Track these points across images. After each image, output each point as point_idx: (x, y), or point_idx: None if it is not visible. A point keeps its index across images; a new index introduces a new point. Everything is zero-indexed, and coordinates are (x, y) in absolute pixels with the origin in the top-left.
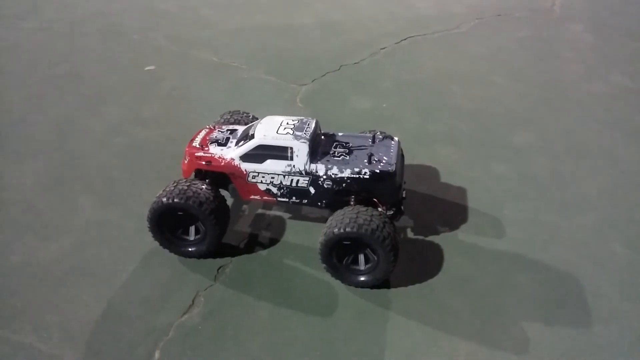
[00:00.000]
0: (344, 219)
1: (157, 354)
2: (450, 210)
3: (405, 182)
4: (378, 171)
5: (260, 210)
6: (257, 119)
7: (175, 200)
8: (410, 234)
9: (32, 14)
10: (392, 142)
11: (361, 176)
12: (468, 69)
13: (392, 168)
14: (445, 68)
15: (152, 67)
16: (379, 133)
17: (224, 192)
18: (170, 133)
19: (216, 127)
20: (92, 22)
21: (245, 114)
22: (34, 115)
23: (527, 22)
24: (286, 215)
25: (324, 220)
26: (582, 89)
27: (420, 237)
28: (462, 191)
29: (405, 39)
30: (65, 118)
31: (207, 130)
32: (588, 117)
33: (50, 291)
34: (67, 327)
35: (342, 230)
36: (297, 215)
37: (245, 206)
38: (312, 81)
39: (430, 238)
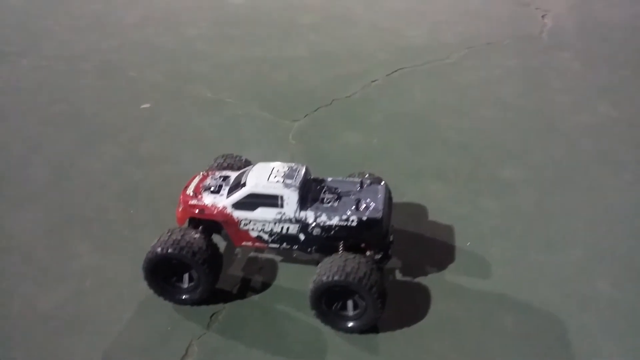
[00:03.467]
0: (332, 267)
1: None
2: (438, 250)
3: (393, 226)
4: (365, 219)
5: (252, 254)
6: (249, 162)
7: (169, 250)
8: (398, 275)
9: (32, 50)
10: (379, 187)
11: (348, 224)
12: (458, 101)
13: (379, 215)
14: (435, 100)
15: (147, 105)
16: (367, 176)
17: (217, 237)
18: (166, 172)
19: (209, 173)
20: (90, 59)
21: (238, 158)
22: (33, 157)
23: (516, 50)
24: (278, 258)
25: (314, 262)
26: (570, 120)
27: (409, 279)
28: (450, 229)
29: (396, 71)
30: (63, 159)
31: (200, 177)
32: (575, 149)
33: (49, 342)
34: None
35: (330, 279)
36: (289, 258)
37: (237, 250)
38: (305, 116)
39: (419, 279)
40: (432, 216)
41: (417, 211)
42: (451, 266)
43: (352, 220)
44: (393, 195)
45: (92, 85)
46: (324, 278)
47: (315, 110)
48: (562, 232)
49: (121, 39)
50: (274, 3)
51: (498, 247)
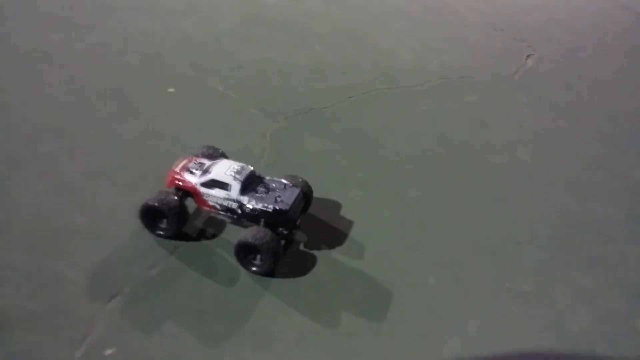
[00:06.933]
0: (250, 233)
1: (126, 290)
2: (334, 235)
3: (302, 215)
4: (278, 208)
5: (211, 215)
6: (224, 153)
7: (155, 203)
8: (301, 246)
9: (96, 26)
10: (296, 190)
11: (266, 209)
12: (407, 126)
13: (286, 207)
14: (390, 123)
15: (172, 90)
16: (299, 180)
17: (190, 200)
18: (172, 148)
19: (193, 158)
20: (139, 41)
21: (215, 149)
22: (84, 119)
23: (482, 87)
24: (228, 220)
25: (245, 227)
26: (485, 159)
27: (307, 250)
28: (350, 223)
29: (373, 91)
30: (104, 124)
31: (186, 160)
32: (471, 182)
33: (85, 246)
34: (89, 267)
35: (247, 240)
36: (231, 222)
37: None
38: (285, 119)
39: (313, 252)
40: (343, 212)
41: (333, 206)
42: (339, 248)
43: (269, 208)
44: (321, 192)
45: (136, 66)
46: (243, 239)
47: (295, 116)
48: (428, 239)
49: (166, 25)
50: (297, 9)
51: (377, 242)
